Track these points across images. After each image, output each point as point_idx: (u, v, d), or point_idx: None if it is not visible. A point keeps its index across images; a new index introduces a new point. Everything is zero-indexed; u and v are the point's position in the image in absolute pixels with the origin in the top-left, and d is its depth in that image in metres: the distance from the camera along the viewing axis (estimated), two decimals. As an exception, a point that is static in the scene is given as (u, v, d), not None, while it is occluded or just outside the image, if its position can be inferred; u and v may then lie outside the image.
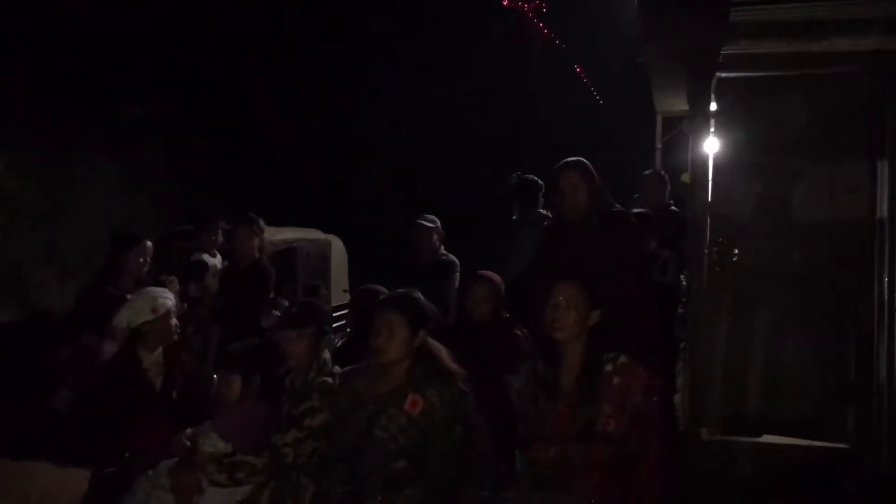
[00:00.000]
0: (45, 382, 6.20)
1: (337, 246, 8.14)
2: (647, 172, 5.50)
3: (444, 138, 12.16)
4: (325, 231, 8.07)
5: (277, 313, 4.31)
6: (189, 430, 2.91)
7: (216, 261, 5.12)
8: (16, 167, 7.94)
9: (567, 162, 3.34)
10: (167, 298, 3.58)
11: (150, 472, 2.87)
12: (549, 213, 4.36)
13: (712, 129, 4.24)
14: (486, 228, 7.09)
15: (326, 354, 2.99)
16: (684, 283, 4.78)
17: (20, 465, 5.41)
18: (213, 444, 2.80)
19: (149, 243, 4.27)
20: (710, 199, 4.17)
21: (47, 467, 5.46)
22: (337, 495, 2.65)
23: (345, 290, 7.96)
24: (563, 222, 3.37)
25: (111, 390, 3.36)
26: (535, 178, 4.54)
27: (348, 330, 5.17)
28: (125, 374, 3.44)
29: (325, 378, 2.87)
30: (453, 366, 2.80)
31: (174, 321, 3.55)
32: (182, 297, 5.35)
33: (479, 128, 11.91)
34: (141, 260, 4.22)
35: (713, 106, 4.25)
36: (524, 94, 12.75)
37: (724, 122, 4.30)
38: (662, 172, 5.58)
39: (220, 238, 5.19)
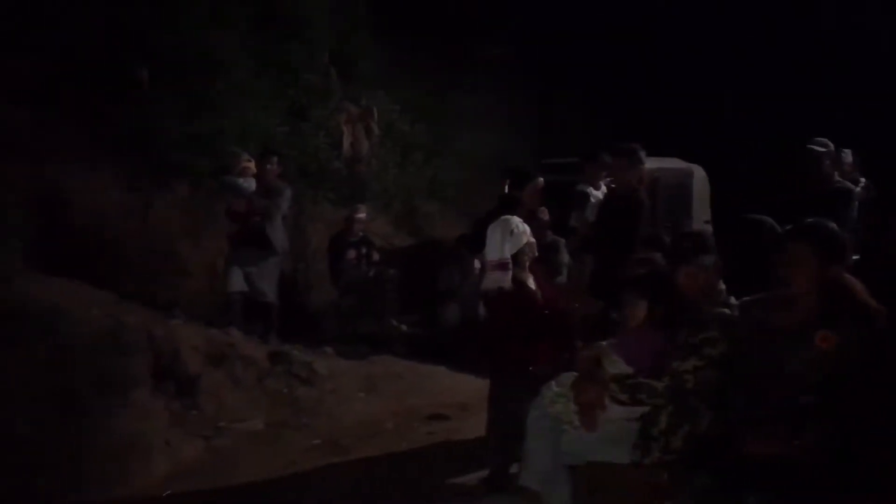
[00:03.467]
0: (437, 298, 7.18)
1: (699, 175, 7.89)
2: None
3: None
4: (687, 160, 7.85)
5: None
6: (592, 349, 3.15)
7: (599, 193, 5.31)
8: (408, 112, 9.08)
9: None
10: (526, 225, 3.93)
11: (552, 383, 3.15)
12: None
13: None
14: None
15: (721, 285, 2.97)
16: None
17: (426, 367, 6.42)
18: (618, 366, 2.99)
19: (540, 179, 4.57)
20: None
21: (444, 371, 6.39)
22: (736, 425, 2.66)
23: (706, 222, 7.71)
24: None
25: (514, 314, 3.75)
26: None
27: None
28: (522, 298, 3.83)
29: (722, 309, 2.86)
30: (872, 302, 2.59)
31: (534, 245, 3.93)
32: (556, 226, 5.71)
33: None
34: (534, 194, 4.56)
35: None
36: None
37: None
38: None
39: (604, 171, 5.35)
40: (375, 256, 7.11)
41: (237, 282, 5.99)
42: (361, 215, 7.11)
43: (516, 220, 3.92)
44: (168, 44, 7.01)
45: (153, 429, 4.46)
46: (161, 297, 6.17)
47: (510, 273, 3.85)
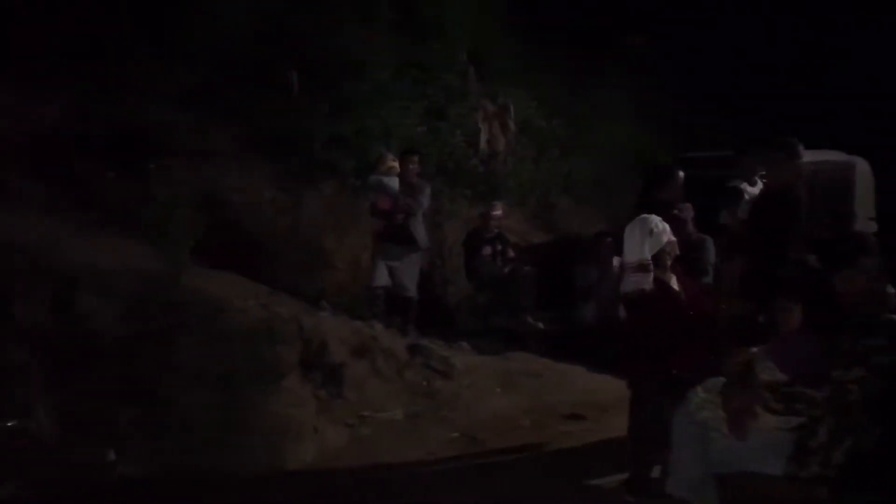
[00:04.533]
0: (574, 296, 7.09)
1: (862, 169, 7.32)
2: None
3: None
4: (849, 153, 7.30)
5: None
6: (743, 353, 3.01)
7: (754, 190, 5.04)
8: (544, 107, 9.02)
9: None
10: (666, 223, 3.80)
11: (699, 388, 3.04)
12: None
13: None
14: None
15: (890, 289, 2.75)
16: None
17: (563, 366, 6.37)
18: (771, 372, 2.84)
19: (681, 174, 4.39)
20: None
21: (582, 370, 6.31)
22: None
23: (871, 219, 7.15)
24: None
25: (656, 316, 3.65)
26: None
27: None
28: (664, 300, 3.72)
29: (891, 315, 2.65)
30: None
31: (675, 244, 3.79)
32: (702, 224, 5.47)
33: None
34: (674, 190, 4.39)
35: None
36: None
37: None
38: None
39: (759, 166, 5.07)
40: (510, 253, 7.11)
41: (382, 276, 6.22)
42: (497, 212, 7.15)
43: (655, 219, 3.81)
44: (316, 48, 7.35)
45: (302, 414, 4.71)
46: (309, 289, 6.49)
47: (651, 274, 3.75)
